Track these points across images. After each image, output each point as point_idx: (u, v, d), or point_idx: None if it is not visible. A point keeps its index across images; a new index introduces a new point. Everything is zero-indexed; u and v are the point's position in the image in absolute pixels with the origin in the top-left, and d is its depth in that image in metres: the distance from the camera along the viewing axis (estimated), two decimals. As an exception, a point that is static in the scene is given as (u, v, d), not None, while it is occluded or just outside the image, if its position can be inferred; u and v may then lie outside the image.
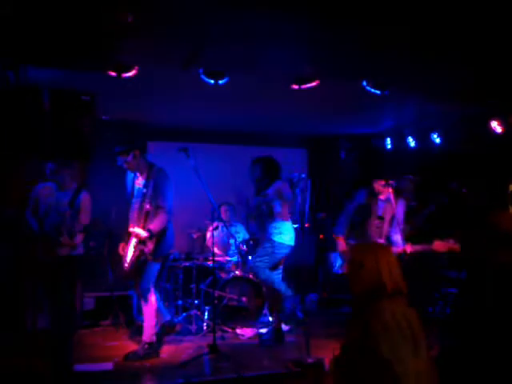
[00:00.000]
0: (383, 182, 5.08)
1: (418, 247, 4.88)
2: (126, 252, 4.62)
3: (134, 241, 4.57)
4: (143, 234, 4.47)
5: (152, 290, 4.69)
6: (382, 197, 5.24)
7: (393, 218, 5.11)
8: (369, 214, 5.33)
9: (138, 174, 4.71)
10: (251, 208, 5.25)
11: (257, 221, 5.31)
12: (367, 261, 2.32)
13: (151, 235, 4.49)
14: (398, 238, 5.06)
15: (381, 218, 5.28)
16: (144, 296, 4.66)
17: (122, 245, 4.68)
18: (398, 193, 5.16)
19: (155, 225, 4.51)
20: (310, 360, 4.30)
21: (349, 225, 5.35)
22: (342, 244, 5.27)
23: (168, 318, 5.08)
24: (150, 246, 4.51)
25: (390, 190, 4.91)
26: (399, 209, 5.22)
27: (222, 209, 6.61)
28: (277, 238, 5.07)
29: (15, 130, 5.55)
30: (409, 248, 4.80)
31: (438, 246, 4.81)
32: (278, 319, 5.21)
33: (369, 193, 5.35)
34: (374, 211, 5.30)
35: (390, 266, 2.31)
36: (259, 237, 5.53)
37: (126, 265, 4.58)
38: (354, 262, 2.40)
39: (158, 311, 4.81)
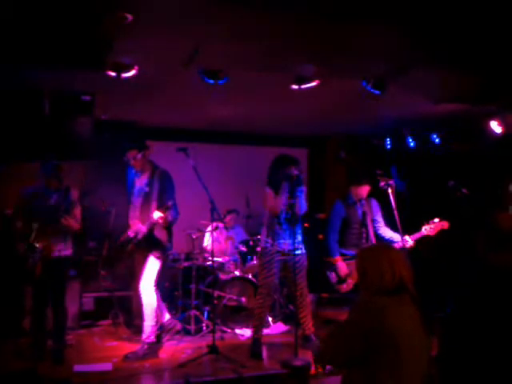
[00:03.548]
0: (383, 183, 4.99)
1: (413, 237, 4.85)
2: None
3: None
4: (142, 229, 4.61)
5: (153, 288, 4.71)
6: (359, 201, 5.11)
7: (373, 218, 5.12)
8: (350, 223, 5.11)
9: (139, 173, 4.81)
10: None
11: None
12: (368, 267, 2.37)
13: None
14: (390, 233, 5.03)
15: (363, 224, 5.11)
16: (145, 294, 4.68)
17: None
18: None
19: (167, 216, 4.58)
20: (297, 362, 4.29)
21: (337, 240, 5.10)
22: (343, 266, 4.99)
23: (168, 317, 5.12)
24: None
25: (390, 190, 4.84)
26: (375, 208, 5.17)
27: (228, 217, 6.60)
28: None
29: (14, 131, 5.56)
30: (407, 241, 4.79)
31: (429, 230, 4.82)
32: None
33: (343, 202, 5.14)
34: (354, 219, 5.11)
35: (392, 264, 2.32)
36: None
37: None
38: (358, 270, 2.45)
39: (158, 311, 4.84)
